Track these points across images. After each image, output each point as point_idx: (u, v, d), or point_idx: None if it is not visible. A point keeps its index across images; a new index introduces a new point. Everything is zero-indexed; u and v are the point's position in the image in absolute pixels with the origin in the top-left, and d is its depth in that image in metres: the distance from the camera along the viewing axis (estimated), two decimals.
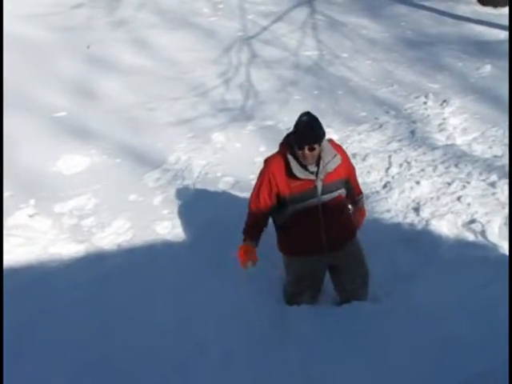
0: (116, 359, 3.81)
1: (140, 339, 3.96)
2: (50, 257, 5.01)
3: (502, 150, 6.12)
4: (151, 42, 9.56)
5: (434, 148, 6.46)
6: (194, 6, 11.18)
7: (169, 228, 5.40)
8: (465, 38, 10.22)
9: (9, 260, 4.86)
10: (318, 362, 3.70)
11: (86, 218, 5.56)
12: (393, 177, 5.98)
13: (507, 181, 5.44)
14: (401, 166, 6.16)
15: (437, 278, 4.39)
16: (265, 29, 10.49)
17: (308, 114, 3.82)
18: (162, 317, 4.20)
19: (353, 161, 6.01)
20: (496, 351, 3.38)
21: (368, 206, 5.25)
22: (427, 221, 5.11)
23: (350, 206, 4.36)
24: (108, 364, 3.76)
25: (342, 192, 4.04)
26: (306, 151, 3.71)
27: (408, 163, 6.17)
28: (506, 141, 6.26)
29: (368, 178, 6.02)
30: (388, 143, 6.77)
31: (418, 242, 4.92)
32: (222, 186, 6.09)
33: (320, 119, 3.82)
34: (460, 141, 6.57)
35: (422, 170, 6.00)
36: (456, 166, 5.95)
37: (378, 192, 5.76)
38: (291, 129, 3.90)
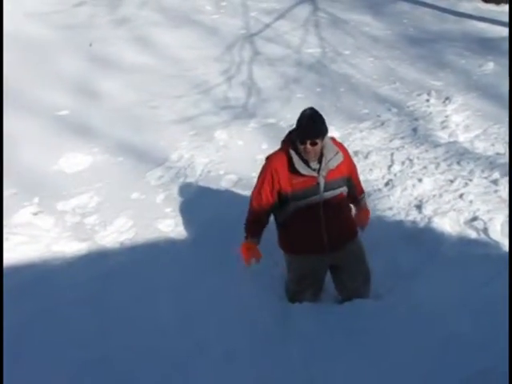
0: (116, 358, 3.80)
1: (141, 338, 3.95)
2: (52, 255, 5.02)
3: (504, 148, 6.12)
4: (153, 40, 9.56)
5: (436, 145, 6.46)
6: (196, 3, 11.19)
7: (171, 226, 5.40)
8: (467, 35, 10.22)
9: (12, 258, 4.86)
10: (320, 359, 3.70)
11: (88, 217, 5.56)
12: (395, 174, 5.98)
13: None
14: (403, 163, 6.16)
15: (439, 275, 4.38)
16: (267, 26, 10.50)
17: (311, 109, 3.81)
18: (163, 315, 4.19)
19: (355, 158, 6.05)
20: (498, 349, 3.37)
21: (370, 203, 5.25)
22: (429, 218, 5.11)
23: (352, 206, 4.37)
24: (108, 363, 3.75)
25: (344, 190, 4.03)
26: (308, 146, 3.69)
27: (410, 161, 6.17)
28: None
29: (370, 175, 6.02)
30: (390, 141, 6.77)
31: (420, 239, 4.91)
32: (224, 183, 6.09)
33: None
34: (462, 138, 6.57)
35: (425, 167, 6.00)
36: (458, 163, 5.95)
37: (380, 190, 5.76)
38: (293, 126, 3.89)
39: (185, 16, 10.59)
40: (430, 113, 7.38)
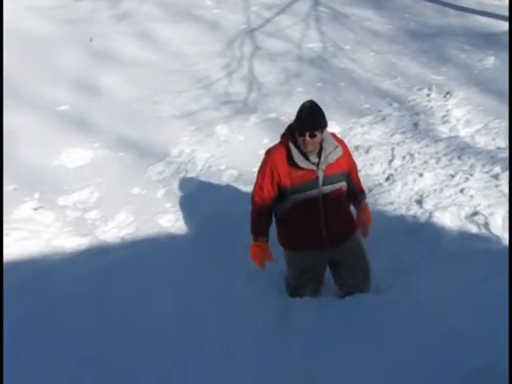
0: (116, 353, 3.81)
1: (141, 333, 3.96)
2: (53, 250, 5.03)
3: (505, 142, 6.10)
4: (155, 35, 9.57)
5: (437, 140, 6.44)
6: None
7: (172, 221, 5.41)
8: (469, 30, 10.19)
9: (12, 253, 4.88)
10: (320, 354, 3.69)
11: (89, 212, 5.57)
12: (396, 169, 5.97)
13: None
14: (404, 158, 6.15)
15: (439, 270, 4.37)
16: (268, 21, 10.49)
17: (311, 101, 3.79)
18: (163, 310, 4.20)
19: (356, 153, 6.08)
20: (498, 345, 3.36)
21: (371, 198, 5.26)
22: (430, 213, 5.09)
23: (352, 207, 4.35)
24: (108, 358, 3.75)
25: (343, 185, 4.01)
26: (307, 137, 3.67)
27: (411, 155, 6.16)
28: None
29: (371, 170, 6.01)
30: (391, 135, 6.76)
31: (420, 234, 4.90)
32: (225, 178, 6.09)
33: None
34: (463, 133, 6.56)
35: (425, 162, 5.98)
36: (459, 158, 5.94)
37: (380, 184, 5.75)
38: None
39: (186, 11, 10.59)
40: (431, 107, 7.37)
